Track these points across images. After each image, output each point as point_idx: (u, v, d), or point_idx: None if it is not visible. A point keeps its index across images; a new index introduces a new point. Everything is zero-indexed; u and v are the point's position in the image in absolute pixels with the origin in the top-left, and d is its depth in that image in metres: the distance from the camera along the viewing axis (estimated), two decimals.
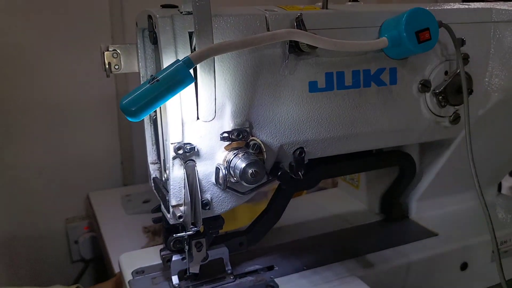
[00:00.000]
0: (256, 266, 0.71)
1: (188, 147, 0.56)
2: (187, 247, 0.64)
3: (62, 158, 1.45)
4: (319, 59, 0.60)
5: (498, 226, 0.80)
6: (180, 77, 0.46)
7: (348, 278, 0.67)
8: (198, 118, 0.55)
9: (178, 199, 0.58)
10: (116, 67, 0.64)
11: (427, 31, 0.59)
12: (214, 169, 0.58)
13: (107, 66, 0.64)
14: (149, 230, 1.13)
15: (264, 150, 0.59)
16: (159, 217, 0.69)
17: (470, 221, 0.82)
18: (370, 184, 0.91)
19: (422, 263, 0.73)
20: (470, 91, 0.68)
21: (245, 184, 0.56)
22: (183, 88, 0.47)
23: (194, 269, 0.65)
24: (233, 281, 0.67)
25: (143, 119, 0.68)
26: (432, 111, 0.69)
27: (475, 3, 0.75)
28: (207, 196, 0.60)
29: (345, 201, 0.94)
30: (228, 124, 0.57)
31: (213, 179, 0.59)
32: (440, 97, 0.67)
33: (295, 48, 0.58)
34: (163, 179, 0.64)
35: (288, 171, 0.63)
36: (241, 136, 0.58)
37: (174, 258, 0.66)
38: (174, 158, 0.56)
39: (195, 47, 0.53)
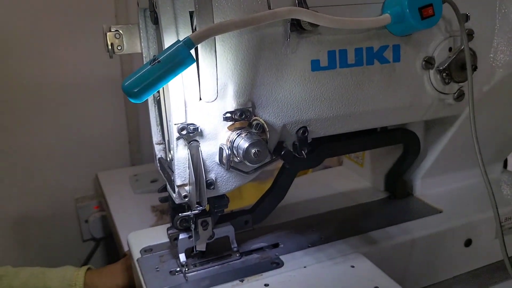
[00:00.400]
0: (262, 243, 0.72)
1: (192, 128, 0.56)
2: (193, 226, 0.65)
3: (70, 138, 1.46)
4: (321, 37, 0.60)
5: (502, 202, 0.81)
6: (181, 58, 0.46)
7: (352, 255, 0.68)
8: (200, 99, 0.55)
9: (183, 179, 0.59)
10: (119, 47, 0.64)
11: (430, 7, 0.59)
12: (217, 149, 0.59)
13: (109, 47, 0.64)
14: (157, 209, 1.14)
15: (267, 129, 0.60)
16: (166, 197, 0.70)
17: (475, 198, 0.82)
18: (375, 162, 0.91)
19: (426, 240, 0.74)
20: (475, 68, 0.67)
21: (248, 163, 0.56)
22: (184, 69, 0.48)
23: (201, 247, 0.67)
24: (239, 259, 0.68)
25: (147, 100, 0.68)
26: (436, 88, 0.68)
27: None
28: (212, 176, 0.60)
29: (350, 179, 0.95)
30: (230, 104, 0.57)
31: (217, 159, 0.59)
32: (444, 74, 0.67)
33: (296, 26, 0.57)
34: (168, 159, 0.64)
35: (292, 150, 0.63)
36: (244, 116, 0.58)
37: (181, 236, 0.67)
38: (178, 138, 0.57)
39: (196, 27, 0.53)
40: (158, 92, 0.66)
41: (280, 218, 0.79)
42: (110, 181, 1.37)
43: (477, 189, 0.84)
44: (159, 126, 0.69)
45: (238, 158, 0.57)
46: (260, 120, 0.59)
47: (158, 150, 0.70)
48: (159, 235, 0.75)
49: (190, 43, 0.47)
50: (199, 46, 0.51)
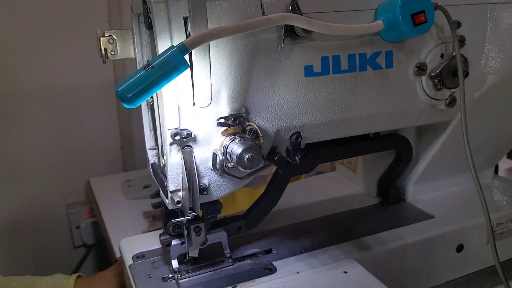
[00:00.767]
0: (255, 249, 0.72)
1: (185, 133, 0.56)
2: (186, 232, 0.65)
3: (62, 144, 1.45)
4: (315, 43, 0.60)
5: (494, 208, 0.81)
6: (175, 63, 0.46)
7: (345, 261, 0.68)
8: (194, 104, 0.55)
9: (176, 185, 0.59)
10: (112, 53, 0.64)
11: (422, 13, 0.59)
12: (211, 155, 0.59)
13: (103, 52, 0.64)
14: (149, 215, 1.14)
15: (261, 135, 0.60)
16: (159, 203, 0.70)
17: (466, 203, 0.82)
18: (367, 168, 0.91)
19: (419, 245, 0.74)
20: (466, 74, 0.68)
21: (241, 169, 0.56)
22: (178, 74, 0.48)
23: (193, 253, 0.66)
24: (232, 265, 0.68)
25: (140, 105, 0.68)
26: (428, 94, 0.69)
27: None
28: (205, 181, 0.60)
29: (342, 185, 0.95)
30: (224, 109, 0.57)
31: (210, 165, 0.59)
32: (436, 80, 0.67)
33: (290, 32, 0.58)
34: (161, 165, 0.64)
35: (285, 155, 0.63)
36: (237, 121, 0.58)
37: (174, 242, 0.66)
38: (171, 144, 0.56)
39: (190, 33, 0.53)
40: (152, 97, 0.66)
41: (273, 223, 0.79)
42: (102, 187, 1.37)
43: (468, 194, 0.84)
44: (152, 132, 0.69)
45: (232, 164, 0.57)
46: (254, 125, 0.59)
47: (151, 156, 0.69)
48: (151, 241, 0.75)
49: (184, 49, 0.47)
50: (193, 51, 0.51)
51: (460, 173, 0.86)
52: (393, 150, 0.83)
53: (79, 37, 1.35)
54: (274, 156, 0.62)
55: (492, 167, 0.93)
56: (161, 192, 0.64)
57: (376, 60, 0.64)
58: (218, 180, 0.61)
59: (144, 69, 0.46)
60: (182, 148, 0.57)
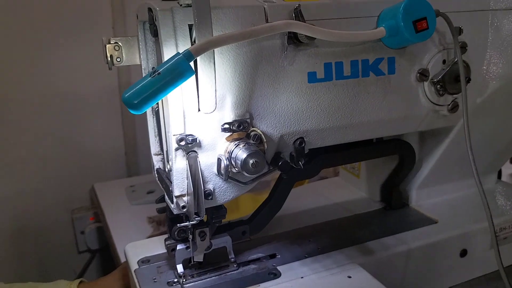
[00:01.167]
0: (259, 254, 0.72)
1: (190, 139, 0.57)
2: (191, 236, 0.66)
3: (67, 150, 1.46)
4: (318, 50, 0.61)
5: (497, 213, 0.81)
6: (181, 70, 0.47)
7: (349, 266, 0.68)
8: (199, 110, 0.56)
9: (181, 190, 0.59)
10: (118, 59, 0.65)
11: (424, 20, 0.60)
12: (216, 160, 0.59)
13: (109, 59, 0.65)
14: (154, 220, 1.14)
15: (265, 140, 0.60)
16: (163, 207, 0.71)
17: (470, 208, 0.82)
18: (371, 173, 0.92)
19: (422, 250, 0.74)
20: (468, 80, 0.68)
21: (246, 174, 0.57)
22: (184, 81, 0.48)
23: (198, 257, 0.67)
24: (236, 269, 0.69)
25: (145, 111, 0.69)
26: (430, 100, 0.70)
27: None
28: (210, 186, 0.61)
29: (346, 190, 0.96)
30: (229, 115, 0.58)
31: (215, 170, 0.60)
32: (438, 86, 0.68)
33: (293, 39, 0.58)
34: (166, 170, 0.65)
35: (289, 161, 0.64)
36: (241, 127, 0.59)
37: (179, 247, 0.67)
38: (176, 149, 0.57)
39: (195, 40, 0.54)
40: (157, 103, 0.66)
41: (277, 228, 0.80)
42: (106, 192, 1.37)
43: (472, 199, 0.85)
44: (157, 137, 0.70)
45: (236, 169, 0.58)
46: (258, 131, 0.60)
47: (156, 161, 0.70)
48: (156, 246, 0.75)
49: (189, 56, 0.48)
50: (198, 58, 0.52)
51: (463, 178, 0.86)
52: (396, 155, 0.83)
53: (84, 44, 1.36)
54: (278, 161, 0.63)
55: (495, 172, 0.93)
56: (166, 197, 0.65)
57: (379, 66, 0.65)
58: (222, 185, 0.62)
59: (150, 76, 0.47)
60: (187, 154, 0.58)
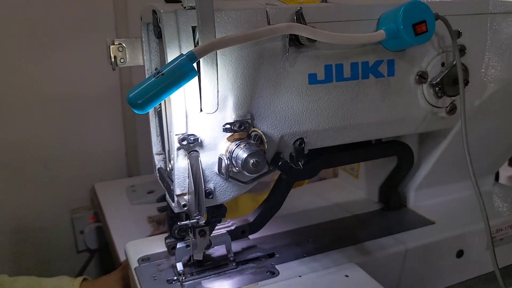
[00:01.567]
0: (258, 253, 0.73)
1: (192, 138, 0.58)
2: (191, 235, 0.66)
3: (67, 149, 1.47)
4: (319, 52, 0.62)
5: (494, 214, 0.82)
6: (184, 71, 0.48)
7: (347, 265, 0.69)
8: (201, 110, 0.57)
9: (183, 189, 0.60)
10: (122, 60, 0.66)
11: (423, 23, 0.61)
12: (217, 160, 0.60)
13: (113, 60, 0.66)
14: (154, 220, 1.15)
15: (265, 141, 0.61)
16: (164, 206, 0.72)
17: (467, 209, 0.83)
18: (369, 174, 0.93)
19: (419, 251, 0.75)
20: (466, 82, 0.69)
21: (246, 173, 0.58)
22: (187, 82, 0.49)
23: (198, 256, 0.68)
24: (235, 268, 0.69)
25: (148, 112, 0.70)
26: (429, 102, 0.71)
27: None
28: (210, 185, 0.62)
29: (345, 191, 0.96)
30: (230, 115, 0.59)
31: (216, 169, 0.61)
32: (437, 88, 0.69)
33: (295, 41, 0.59)
34: (168, 169, 0.66)
35: (289, 161, 0.65)
36: (242, 127, 0.60)
37: (179, 245, 0.68)
38: (178, 149, 0.58)
39: (198, 41, 0.55)
40: (160, 104, 0.67)
41: (276, 228, 0.80)
42: (106, 192, 1.38)
43: (469, 201, 0.85)
44: (159, 137, 0.70)
45: (237, 168, 0.59)
46: (259, 131, 0.61)
47: (158, 160, 0.71)
48: (156, 244, 0.76)
49: (193, 57, 0.49)
50: (201, 60, 0.53)
51: (461, 179, 0.87)
52: (394, 157, 0.84)
53: (86, 45, 1.37)
54: (278, 162, 0.64)
55: (493, 174, 0.94)
56: (167, 196, 0.66)
57: (378, 68, 0.66)
58: (223, 184, 0.62)
59: (154, 77, 0.48)
60: (188, 153, 0.59)
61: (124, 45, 0.66)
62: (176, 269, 0.68)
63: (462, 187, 0.88)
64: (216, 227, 0.70)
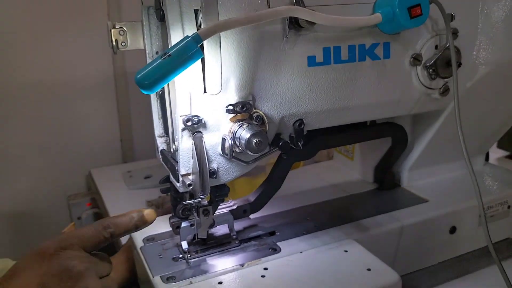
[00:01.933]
0: (259, 232, 0.75)
1: (196, 119, 0.59)
2: (195, 214, 0.68)
3: (62, 136, 1.47)
4: (317, 35, 0.63)
5: (484, 192, 0.85)
6: (190, 52, 0.50)
7: (345, 241, 0.72)
8: (205, 92, 0.59)
9: (187, 169, 0.62)
10: (123, 44, 0.67)
11: (418, 6, 0.63)
12: (220, 140, 0.62)
13: (114, 43, 0.67)
14: (153, 204, 1.17)
15: (267, 121, 0.63)
16: (167, 188, 0.73)
17: (459, 188, 0.87)
18: (364, 156, 0.95)
19: (414, 227, 0.78)
20: (459, 64, 0.71)
21: (250, 153, 0.60)
22: (193, 62, 0.51)
23: (202, 234, 0.70)
24: (238, 246, 0.72)
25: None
26: (423, 84, 0.73)
27: None
28: (214, 165, 0.64)
29: (340, 172, 0.99)
30: (232, 97, 0.61)
31: (219, 150, 0.63)
32: (430, 70, 0.71)
33: (294, 24, 0.61)
34: (172, 150, 0.67)
35: (289, 141, 0.67)
36: (245, 108, 0.61)
37: (183, 224, 0.70)
38: (183, 129, 0.60)
39: (200, 24, 0.56)
40: (162, 87, 0.69)
41: (276, 208, 0.83)
42: (104, 178, 1.38)
43: (460, 180, 0.89)
44: (161, 120, 0.72)
45: (240, 148, 0.61)
46: (260, 112, 0.63)
47: (160, 143, 0.73)
48: (159, 225, 0.78)
49: (198, 39, 0.50)
50: (204, 42, 0.54)
51: (453, 160, 0.90)
52: (389, 138, 0.87)
53: (78, 31, 1.37)
54: (278, 142, 0.66)
55: (483, 154, 0.97)
56: (171, 177, 0.68)
57: (375, 51, 0.68)
58: (226, 164, 0.64)
59: (161, 58, 0.49)
60: (193, 134, 0.60)
61: (125, 28, 0.67)
62: (181, 247, 0.70)
63: (454, 167, 0.91)
64: (219, 207, 0.72)
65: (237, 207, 0.74)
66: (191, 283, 0.63)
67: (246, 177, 1.10)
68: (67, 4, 1.36)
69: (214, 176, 0.64)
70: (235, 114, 0.61)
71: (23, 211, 1.46)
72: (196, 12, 0.57)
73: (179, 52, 0.50)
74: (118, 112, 1.55)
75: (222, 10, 0.57)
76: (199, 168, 0.61)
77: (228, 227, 0.73)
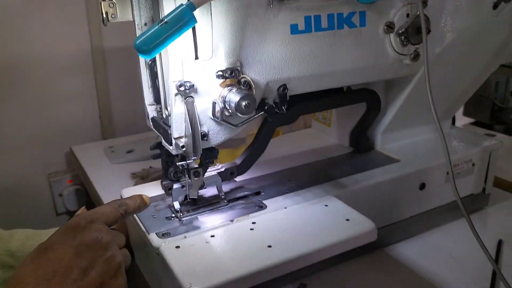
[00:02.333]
0: (245, 192, 0.80)
1: (188, 85, 0.63)
2: (186, 176, 0.73)
3: (41, 114, 1.48)
4: (299, 4, 0.68)
5: (451, 152, 0.91)
6: (185, 19, 0.54)
7: (326, 197, 0.78)
8: (196, 58, 0.63)
9: (180, 132, 0.66)
10: (113, 16, 0.70)
11: None
12: (210, 105, 0.66)
13: (104, 16, 0.69)
14: (137, 175, 1.20)
15: (253, 86, 0.68)
16: (158, 154, 0.77)
17: (427, 149, 0.94)
18: (340, 122, 1.01)
19: (387, 184, 0.85)
20: (428, 31, 0.77)
21: (239, 115, 0.64)
22: (188, 28, 0.55)
23: (193, 195, 0.74)
24: (227, 205, 0.77)
25: (139, 65, 0.75)
26: (395, 50, 0.79)
27: None
28: (204, 128, 0.68)
29: (318, 138, 1.05)
30: (222, 63, 0.65)
31: (209, 114, 0.67)
32: (402, 37, 0.77)
33: None
34: (164, 116, 0.71)
35: (274, 105, 0.72)
36: (233, 74, 0.66)
37: (175, 186, 0.74)
38: (176, 95, 0.64)
39: None
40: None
41: (259, 171, 0.88)
42: (85, 154, 1.40)
43: (430, 142, 0.96)
44: (151, 89, 0.75)
45: (230, 111, 0.65)
46: (247, 77, 0.67)
47: (151, 111, 0.76)
48: (149, 190, 0.82)
49: (192, 6, 0.54)
50: (197, 10, 0.58)
51: (422, 124, 0.97)
52: (363, 105, 0.93)
53: (56, 8, 1.37)
54: (264, 106, 0.71)
55: (450, 118, 1.04)
56: (163, 141, 0.72)
57: (352, 19, 0.73)
58: (216, 127, 0.69)
59: (158, 24, 0.53)
60: (185, 99, 0.64)
61: (115, 1, 0.70)
62: (173, 207, 0.75)
63: (423, 130, 0.98)
64: (207, 171, 0.77)
65: (224, 169, 0.79)
66: (185, 237, 0.68)
67: (228, 149, 1.15)
68: None
69: (205, 139, 0.68)
70: (224, 80, 0.65)
71: (4, 189, 1.47)
72: None
73: (175, 19, 0.53)
74: (96, 89, 1.56)
75: None
76: (191, 131, 0.65)
77: (217, 188, 0.78)
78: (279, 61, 0.69)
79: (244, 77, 0.67)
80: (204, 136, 0.68)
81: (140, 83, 0.76)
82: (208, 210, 0.75)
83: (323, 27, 0.71)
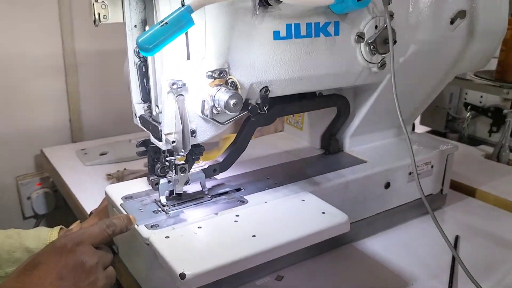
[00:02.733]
0: (227, 188, 0.85)
1: (180, 83, 0.68)
2: (173, 172, 0.77)
3: (10, 117, 1.48)
4: (281, 12, 0.74)
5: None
6: (184, 21, 0.58)
7: (302, 193, 0.84)
8: (188, 59, 0.67)
9: (170, 128, 0.70)
10: (105, 17, 0.74)
11: None
12: (199, 103, 0.71)
13: (96, 17, 0.73)
14: (113, 176, 1.22)
15: (239, 87, 0.73)
16: (144, 151, 0.81)
17: (392, 151, 1.02)
18: (312, 126, 1.08)
19: (356, 182, 0.92)
20: (395, 42, 0.85)
21: (228, 112, 0.69)
22: (186, 30, 0.60)
23: (179, 189, 0.79)
24: (210, 200, 0.81)
25: (127, 65, 0.79)
26: (365, 58, 0.86)
27: None
28: (193, 126, 0.73)
29: (291, 141, 1.11)
30: (212, 64, 0.70)
31: (198, 111, 0.72)
32: (371, 47, 0.85)
33: (263, 1, 0.71)
34: (154, 113, 0.75)
35: (257, 106, 0.77)
36: (221, 75, 0.71)
37: (162, 181, 0.78)
38: (168, 92, 0.68)
39: None
40: (139, 57, 0.76)
41: (238, 170, 0.93)
42: (57, 156, 1.41)
43: (393, 145, 1.04)
44: (139, 88, 0.79)
45: (218, 109, 0.70)
46: (234, 78, 0.72)
47: (138, 109, 0.80)
48: (134, 186, 0.85)
49: (190, 9, 0.59)
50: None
51: (386, 128, 1.05)
52: (333, 110, 1.00)
53: (28, 9, 1.38)
54: (248, 106, 0.76)
55: (411, 124, 1.13)
56: (152, 138, 0.76)
57: (327, 28, 0.80)
58: (203, 125, 0.74)
59: (159, 25, 0.58)
60: (176, 97, 0.69)
61: (107, 2, 0.73)
62: (160, 202, 0.78)
63: (388, 134, 1.06)
64: (192, 168, 0.81)
65: (208, 166, 0.84)
66: (173, 228, 0.72)
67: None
68: None
69: (194, 135, 0.73)
70: (213, 79, 0.70)
71: None
72: None
73: (175, 21, 0.58)
74: (67, 92, 1.57)
75: None
76: (181, 127, 0.70)
77: (201, 184, 0.82)
78: (262, 64, 0.75)
79: (231, 78, 0.72)
80: (193, 132, 0.73)
81: (129, 82, 0.80)
82: (193, 205, 0.80)
83: (302, 35, 0.77)
